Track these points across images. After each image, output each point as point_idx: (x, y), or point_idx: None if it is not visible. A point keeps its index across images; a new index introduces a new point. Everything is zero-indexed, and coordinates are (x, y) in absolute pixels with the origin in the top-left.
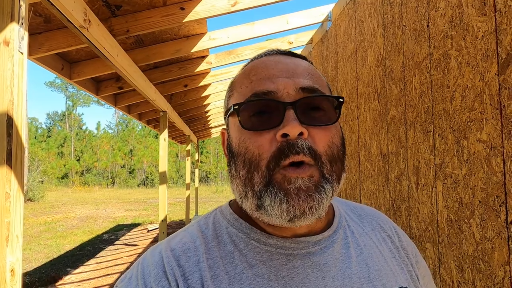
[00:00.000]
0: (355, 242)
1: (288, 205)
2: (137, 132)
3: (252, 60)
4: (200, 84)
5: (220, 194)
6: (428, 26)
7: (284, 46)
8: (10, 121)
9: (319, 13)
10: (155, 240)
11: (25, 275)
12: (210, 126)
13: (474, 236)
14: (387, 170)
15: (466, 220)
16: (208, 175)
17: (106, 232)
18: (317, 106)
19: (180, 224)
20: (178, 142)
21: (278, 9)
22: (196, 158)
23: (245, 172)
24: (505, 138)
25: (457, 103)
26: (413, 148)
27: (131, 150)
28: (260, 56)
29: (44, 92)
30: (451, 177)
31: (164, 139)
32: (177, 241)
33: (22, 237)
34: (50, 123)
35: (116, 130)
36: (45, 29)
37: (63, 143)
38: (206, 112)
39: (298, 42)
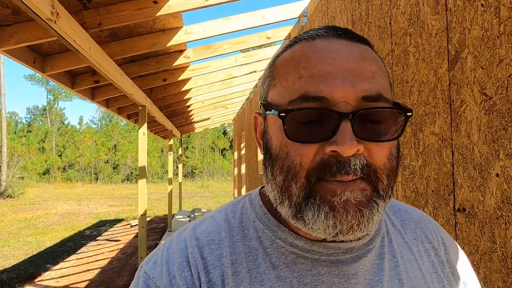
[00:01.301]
0: (391, 253)
1: (335, 220)
2: (121, 127)
3: (300, 39)
4: (180, 78)
5: (206, 189)
6: (390, 23)
7: (262, 41)
8: None
9: (295, 9)
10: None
11: (3, 272)
12: (193, 120)
13: None
14: None
15: (421, 209)
16: (194, 170)
17: (88, 228)
18: (380, 118)
19: (164, 220)
20: (161, 137)
21: (256, 4)
22: (180, 153)
23: (281, 180)
24: (454, 131)
25: (414, 97)
26: None
27: (115, 145)
28: (311, 37)
29: (24, 85)
30: (409, 168)
31: (143, 133)
32: (202, 229)
33: None
34: (31, 117)
35: (99, 125)
36: (14, 21)
37: (44, 138)
38: (188, 106)
39: (276, 37)
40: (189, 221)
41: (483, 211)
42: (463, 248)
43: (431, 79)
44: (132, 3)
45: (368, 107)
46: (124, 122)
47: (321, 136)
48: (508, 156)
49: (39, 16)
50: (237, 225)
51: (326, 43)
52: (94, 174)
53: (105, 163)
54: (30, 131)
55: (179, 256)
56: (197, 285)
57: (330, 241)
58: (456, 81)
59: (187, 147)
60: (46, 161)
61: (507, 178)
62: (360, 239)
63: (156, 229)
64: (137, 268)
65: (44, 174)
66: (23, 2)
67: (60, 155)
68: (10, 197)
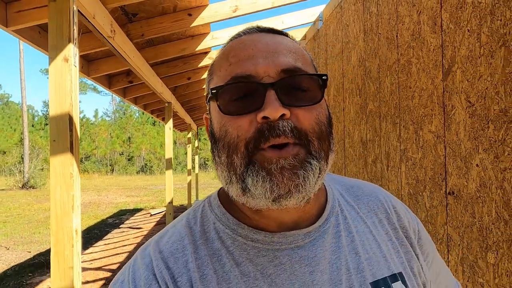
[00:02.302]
0: (347, 229)
1: (272, 184)
2: (134, 119)
3: (231, 39)
4: (202, 77)
5: (219, 180)
6: (397, 36)
7: None
8: (71, 120)
9: (311, 14)
10: (159, 224)
11: (39, 255)
12: None
13: (426, 205)
14: (365, 155)
15: (420, 193)
16: (207, 162)
17: (110, 217)
18: (300, 86)
19: (179, 209)
20: (178, 130)
21: (276, 11)
22: (196, 145)
23: (226, 157)
24: (446, 129)
25: (416, 101)
26: (385, 136)
27: (129, 138)
28: (239, 35)
29: (40, 79)
30: (411, 160)
31: (170, 128)
32: (165, 241)
33: (80, 206)
34: (47, 111)
35: (113, 117)
36: None
37: None
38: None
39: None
40: None
41: (466, 193)
42: (452, 223)
43: (429, 86)
44: (170, 16)
45: (288, 76)
46: (138, 114)
47: (252, 108)
48: (485, 150)
49: (102, 34)
50: (199, 229)
51: (249, 36)
52: (110, 165)
53: (120, 155)
54: (47, 124)
55: (145, 271)
56: None
57: (289, 229)
58: (448, 89)
59: (199, 139)
60: None
61: (484, 168)
62: (314, 220)
63: (175, 218)
64: None
65: None
66: (92, 24)
67: None
68: (33, 188)
